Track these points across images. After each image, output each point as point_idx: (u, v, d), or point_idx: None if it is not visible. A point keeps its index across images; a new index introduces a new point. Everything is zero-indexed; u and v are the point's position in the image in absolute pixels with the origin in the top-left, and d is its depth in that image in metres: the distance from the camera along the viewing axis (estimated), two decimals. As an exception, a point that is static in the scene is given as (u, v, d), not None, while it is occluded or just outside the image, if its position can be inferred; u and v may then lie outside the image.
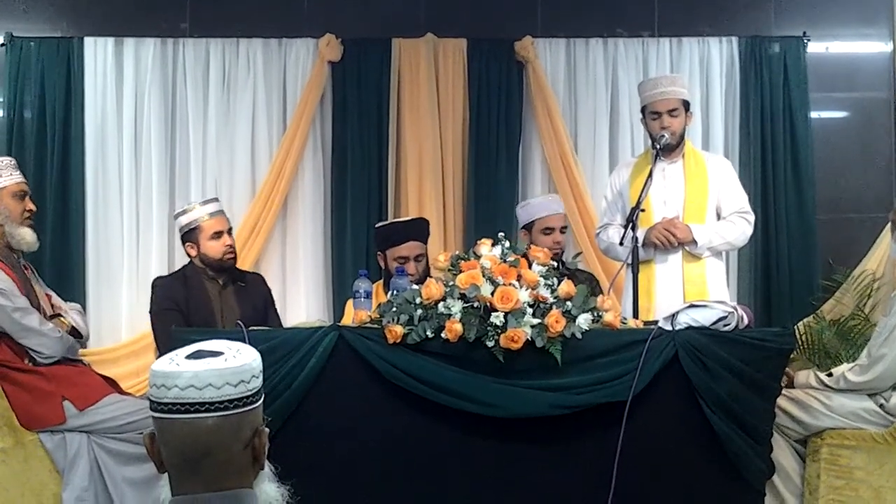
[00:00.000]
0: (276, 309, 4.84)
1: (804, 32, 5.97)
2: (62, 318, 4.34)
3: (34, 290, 4.30)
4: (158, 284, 4.62)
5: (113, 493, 4.09)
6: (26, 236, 4.27)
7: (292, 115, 5.87)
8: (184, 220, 4.60)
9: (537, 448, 3.65)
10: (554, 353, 3.47)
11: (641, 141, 5.80)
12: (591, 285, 4.74)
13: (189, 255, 4.62)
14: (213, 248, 4.54)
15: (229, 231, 4.64)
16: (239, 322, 3.73)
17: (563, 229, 5.02)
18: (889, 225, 4.33)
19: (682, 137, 4.70)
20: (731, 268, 5.80)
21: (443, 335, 3.50)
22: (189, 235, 4.58)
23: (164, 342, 4.17)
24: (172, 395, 1.71)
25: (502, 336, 3.44)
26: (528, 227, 5.03)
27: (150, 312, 4.59)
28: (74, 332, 4.33)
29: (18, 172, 4.34)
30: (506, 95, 5.94)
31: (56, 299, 4.46)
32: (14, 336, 4.10)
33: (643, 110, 4.73)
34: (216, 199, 4.80)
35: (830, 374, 4.04)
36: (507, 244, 3.69)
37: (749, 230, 4.70)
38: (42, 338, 4.12)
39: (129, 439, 4.08)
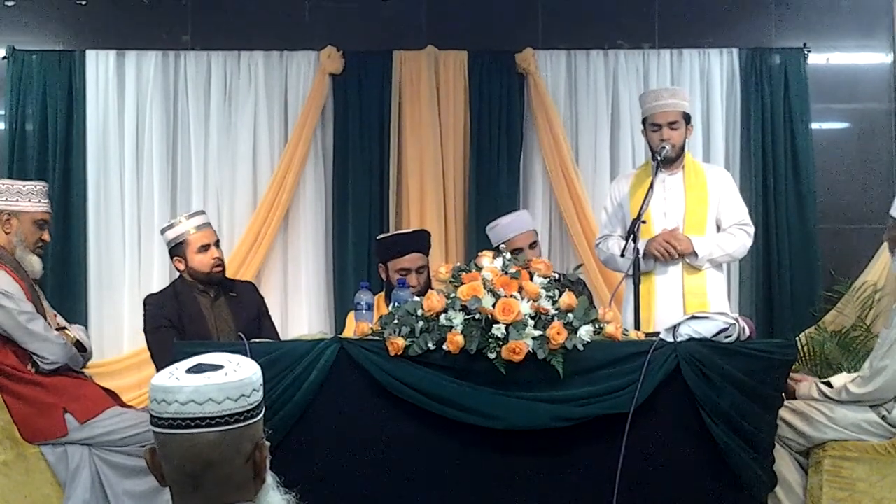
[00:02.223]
0: (270, 317, 4.80)
1: (805, 44, 5.98)
2: (67, 332, 4.35)
3: (41, 304, 4.32)
4: (149, 303, 4.59)
5: (114, 506, 4.09)
6: (34, 265, 4.33)
7: (294, 128, 5.88)
8: (170, 234, 4.57)
9: (539, 460, 3.64)
10: (555, 364, 3.47)
11: (642, 152, 5.81)
12: (577, 291, 4.72)
13: (178, 270, 4.61)
14: (201, 262, 4.52)
15: (217, 243, 4.60)
16: (241, 335, 3.73)
17: (532, 245, 4.95)
18: (885, 244, 4.32)
19: (682, 150, 4.71)
20: (733, 279, 5.80)
21: (444, 347, 3.50)
22: (176, 250, 4.55)
23: (161, 360, 4.16)
24: (173, 410, 1.70)
25: (504, 348, 3.44)
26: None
27: (145, 332, 4.57)
28: (78, 347, 4.34)
29: (47, 200, 4.42)
30: (507, 107, 5.95)
31: (60, 319, 4.48)
32: (18, 340, 4.11)
33: (644, 122, 4.74)
34: (202, 212, 4.77)
35: (828, 383, 4.03)
36: (509, 256, 3.70)
37: (749, 242, 4.70)
38: (46, 343, 4.14)
39: (130, 452, 4.08)
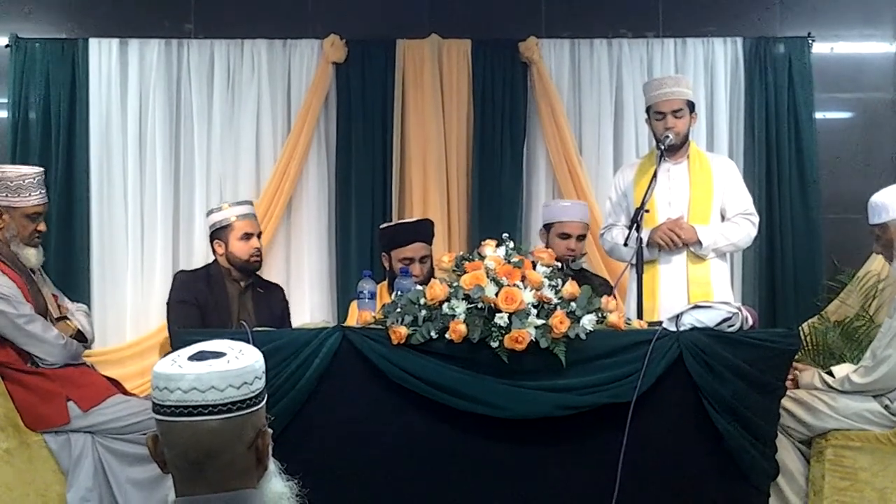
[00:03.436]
0: (290, 323, 4.85)
1: (809, 33, 5.96)
2: (68, 321, 4.34)
3: (41, 293, 4.30)
4: (180, 277, 4.71)
5: (117, 493, 4.09)
6: (31, 257, 4.26)
7: (297, 116, 5.87)
8: (216, 217, 4.67)
9: (541, 449, 3.65)
10: (558, 353, 3.47)
11: (646, 141, 5.80)
12: (605, 292, 4.73)
13: (215, 253, 4.68)
14: (241, 249, 4.60)
15: (258, 235, 4.71)
16: (243, 322, 3.75)
17: (580, 237, 4.99)
18: (875, 245, 4.29)
19: (686, 138, 4.70)
20: (736, 268, 5.79)
21: (447, 336, 3.50)
22: (218, 233, 4.64)
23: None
24: (175, 397, 1.70)
25: (506, 337, 3.44)
26: (548, 226, 5.02)
27: (168, 303, 4.67)
28: (80, 336, 4.33)
29: (39, 191, 4.25)
30: (510, 96, 5.93)
31: (63, 300, 4.47)
32: (16, 342, 4.10)
33: (648, 111, 4.73)
34: (250, 202, 4.88)
35: (830, 373, 4.03)
36: (512, 245, 3.69)
37: (753, 232, 4.70)
38: (45, 345, 4.12)
39: (133, 440, 4.08)
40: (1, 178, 4.19)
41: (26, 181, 4.21)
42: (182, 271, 4.84)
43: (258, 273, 4.78)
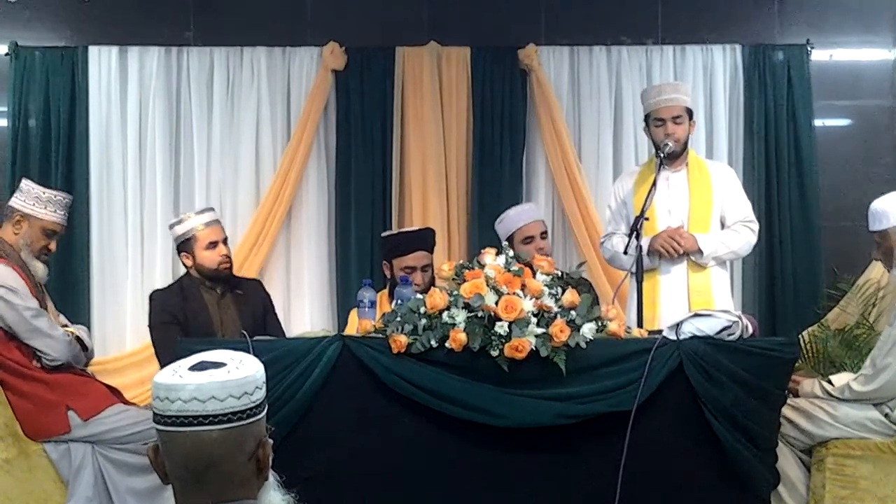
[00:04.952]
0: (276, 315, 4.82)
1: (808, 40, 5.97)
2: (69, 330, 4.35)
3: (45, 304, 4.32)
4: (155, 298, 4.60)
5: (117, 503, 4.09)
6: (38, 271, 4.33)
7: (296, 124, 5.87)
8: (179, 230, 4.59)
9: (542, 458, 3.65)
10: (558, 362, 3.47)
11: (645, 149, 5.80)
12: (587, 291, 4.72)
13: (185, 266, 4.61)
14: (209, 259, 4.53)
15: (225, 241, 4.62)
16: (243, 332, 3.74)
17: (543, 234, 4.98)
18: (875, 252, 4.29)
19: (685, 145, 4.70)
20: (736, 276, 5.78)
21: (447, 345, 3.50)
22: (184, 245, 4.56)
23: (164, 356, 4.16)
24: (175, 408, 1.70)
25: (506, 345, 3.44)
26: (510, 240, 4.86)
27: (149, 327, 4.57)
28: (81, 344, 4.33)
29: (63, 212, 4.42)
30: (509, 103, 5.93)
31: (63, 320, 4.48)
32: (21, 336, 4.11)
33: (647, 118, 4.73)
34: (212, 209, 4.79)
35: (830, 381, 4.03)
36: (511, 253, 3.69)
37: (753, 239, 4.70)
38: (49, 340, 4.14)
39: (133, 450, 4.08)
40: (34, 189, 4.38)
41: (56, 198, 4.40)
42: (156, 291, 4.72)
43: (233, 275, 4.70)
